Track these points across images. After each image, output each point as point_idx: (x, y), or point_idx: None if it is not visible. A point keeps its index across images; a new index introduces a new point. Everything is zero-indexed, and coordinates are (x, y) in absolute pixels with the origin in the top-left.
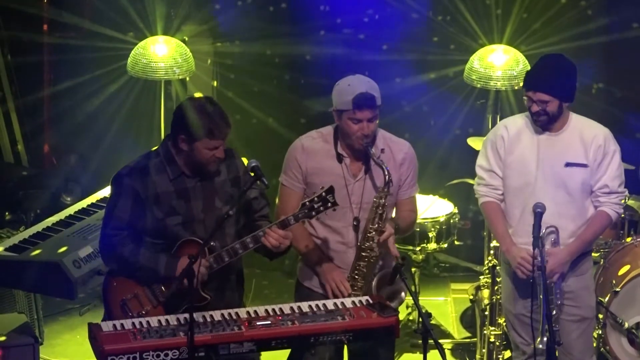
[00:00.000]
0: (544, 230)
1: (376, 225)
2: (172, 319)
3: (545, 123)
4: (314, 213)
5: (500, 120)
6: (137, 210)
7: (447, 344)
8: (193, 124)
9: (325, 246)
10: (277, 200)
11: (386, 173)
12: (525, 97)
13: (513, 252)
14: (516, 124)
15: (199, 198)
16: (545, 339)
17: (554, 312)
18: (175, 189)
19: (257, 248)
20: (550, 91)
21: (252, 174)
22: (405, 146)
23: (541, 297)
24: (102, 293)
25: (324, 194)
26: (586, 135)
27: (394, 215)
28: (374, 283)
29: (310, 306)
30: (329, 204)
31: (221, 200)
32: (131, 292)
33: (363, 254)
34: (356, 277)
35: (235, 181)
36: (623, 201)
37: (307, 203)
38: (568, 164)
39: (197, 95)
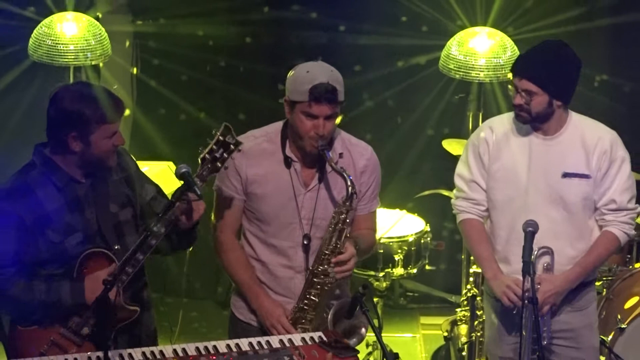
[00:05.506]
0: (535, 252)
1: (333, 246)
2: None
3: (525, 121)
4: (219, 164)
5: (483, 118)
6: (24, 241)
7: None
8: (83, 114)
9: (267, 271)
10: (213, 211)
11: (349, 184)
12: (510, 86)
13: (499, 280)
14: (503, 124)
15: (92, 205)
16: None
17: (537, 354)
18: (66, 201)
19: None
20: (539, 80)
21: (183, 183)
22: (367, 151)
23: (533, 334)
24: (7, 353)
25: (220, 137)
26: (589, 139)
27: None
28: (330, 316)
29: (250, 343)
30: (231, 146)
31: (117, 204)
32: (46, 341)
33: (315, 279)
34: (305, 307)
35: (128, 180)
36: (635, 220)
37: (207, 156)
38: (566, 174)
39: (60, 85)
